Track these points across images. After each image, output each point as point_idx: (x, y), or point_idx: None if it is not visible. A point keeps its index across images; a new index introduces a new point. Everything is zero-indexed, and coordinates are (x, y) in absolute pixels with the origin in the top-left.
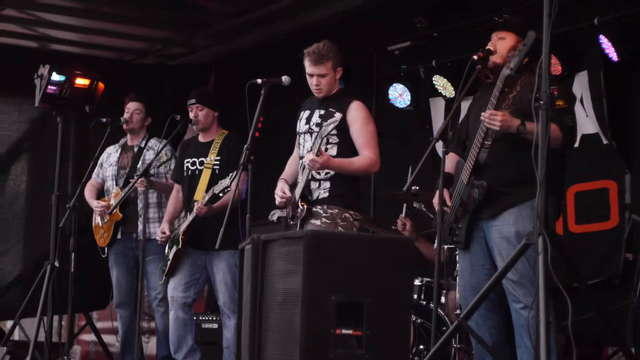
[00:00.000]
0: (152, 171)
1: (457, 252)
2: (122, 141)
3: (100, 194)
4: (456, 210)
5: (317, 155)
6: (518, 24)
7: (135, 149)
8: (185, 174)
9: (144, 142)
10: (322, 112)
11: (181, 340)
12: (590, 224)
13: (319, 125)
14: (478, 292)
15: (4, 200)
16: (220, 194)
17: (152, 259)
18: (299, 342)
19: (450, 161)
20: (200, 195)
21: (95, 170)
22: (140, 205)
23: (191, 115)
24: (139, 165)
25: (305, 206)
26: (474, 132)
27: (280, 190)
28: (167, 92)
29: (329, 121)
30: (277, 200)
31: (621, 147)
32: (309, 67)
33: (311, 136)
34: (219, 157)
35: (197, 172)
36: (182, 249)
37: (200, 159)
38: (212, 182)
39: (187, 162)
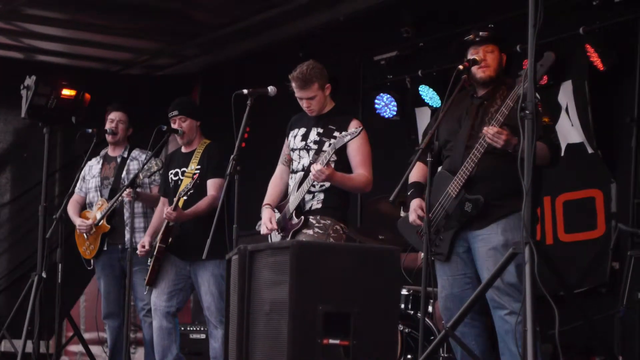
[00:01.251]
0: (138, 181)
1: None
2: (102, 152)
3: (84, 208)
4: (438, 222)
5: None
6: (502, 37)
7: (119, 160)
8: (170, 185)
9: (126, 153)
10: (321, 130)
11: (166, 350)
12: (577, 233)
13: (317, 142)
14: (461, 300)
15: None
16: (185, 197)
17: (138, 270)
18: (286, 352)
19: (418, 170)
20: (182, 200)
21: (78, 184)
22: (126, 215)
23: (174, 126)
24: (123, 175)
25: (302, 218)
26: (456, 143)
27: (269, 221)
28: (152, 103)
29: (345, 133)
30: (263, 230)
31: (606, 156)
32: (296, 91)
33: (308, 153)
34: (199, 166)
35: (179, 182)
36: (159, 255)
37: (182, 169)
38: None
39: (171, 173)
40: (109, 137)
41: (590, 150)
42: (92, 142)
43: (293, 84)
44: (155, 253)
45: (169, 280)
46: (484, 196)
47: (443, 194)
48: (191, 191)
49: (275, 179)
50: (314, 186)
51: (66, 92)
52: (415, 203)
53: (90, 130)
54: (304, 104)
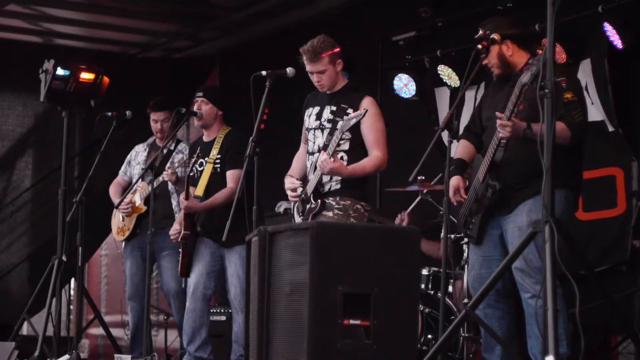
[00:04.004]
0: (179, 172)
1: (462, 242)
2: (149, 140)
3: (124, 191)
4: (471, 205)
5: (330, 157)
6: (493, 33)
7: (165, 151)
8: (194, 174)
9: (173, 145)
10: (334, 108)
11: (195, 333)
12: (597, 212)
13: (331, 121)
14: (482, 279)
15: (9, 194)
16: (178, 168)
17: (167, 254)
18: (306, 333)
19: (462, 147)
20: (201, 190)
21: (123, 167)
22: (174, 204)
23: (195, 107)
24: (168, 165)
25: (319, 201)
26: (491, 129)
27: (291, 184)
28: (171, 85)
29: (350, 116)
30: (290, 195)
31: (628, 134)
32: (307, 65)
33: (322, 132)
34: (219, 155)
35: (200, 171)
36: (184, 241)
37: (205, 158)
38: (213, 177)
39: (196, 164)
40: (158, 135)
41: (610, 129)
42: (111, 125)
43: (303, 58)
44: (180, 239)
45: (205, 263)
46: (509, 181)
47: (476, 178)
48: (197, 166)
49: (298, 154)
50: None
51: (85, 75)
52: (453, 182)
53: (109, 114)
54: (314, 79)
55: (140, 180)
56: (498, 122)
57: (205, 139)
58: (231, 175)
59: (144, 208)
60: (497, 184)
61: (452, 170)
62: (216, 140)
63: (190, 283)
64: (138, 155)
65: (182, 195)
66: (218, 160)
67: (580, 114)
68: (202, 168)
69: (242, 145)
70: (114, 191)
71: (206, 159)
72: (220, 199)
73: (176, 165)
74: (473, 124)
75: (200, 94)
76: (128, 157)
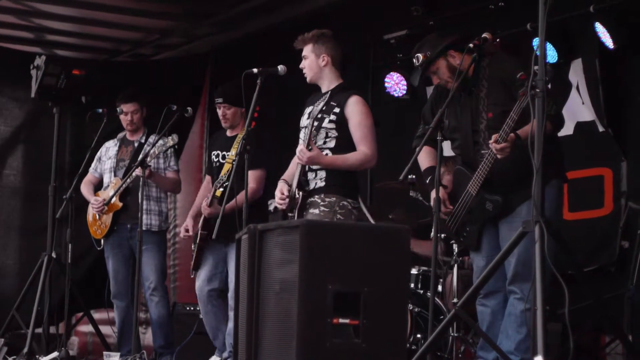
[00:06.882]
0: (152, 164)
1: (452, 241)
2: (120, 135)
3: (97, 188)
4: (462, 216)
5: (307, 147)
6: (437, 50)
7: (136, 144)
8: (213, 165)
9: (144, 138)
10: (324, 106)
11: (215, 331)
12: (583, 212)
13: (318, 119)
14: (501, 273)
15: (1, 192)
16: (220, 189)
17: (145, 249)
18: (296, 332)
19: (427, 154)
20: (219, 191)
21: (93, 164)
22: (140, 196)
23: (219, 113)
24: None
25: (301, 194)
26: (463, 140)
27: (280, 192)
28: (163, 82)
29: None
30: (277, 200)
31: (617, 134)
32: None
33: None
34: (237, 155)
35: (219, 164)
36: (201, 242)
37: (223, 153)
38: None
39: (214, 154)
40: (128, 127)
41: (601, 129)
42: (102, 122)
43: None
44: (198, 241)
45: (209, 265)
46: (503, 191)
47: (464, 192)
48: (226, 184)
49: (295, 158)
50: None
51: (76, 71)
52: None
53: (100, 110)
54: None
55: (112, 176)
56: (495, 147)
57: (228, 133)
58: (252, 175)
59: (120, 204)
60: (498, 198)
61: (431, 180)
62: (236, 139)
63: (196, 285)
64: (109, 150)
65: (205, 201)
66: (234, 160)
67: (552, 104)
68: (217, 160)
69: (262, 144)
70: (86, 190)
71: (226, 154)
72: (241, 201)
73: (150, 157)
74: (431, 128)
75: (220, 99)
76: (98, 154)
